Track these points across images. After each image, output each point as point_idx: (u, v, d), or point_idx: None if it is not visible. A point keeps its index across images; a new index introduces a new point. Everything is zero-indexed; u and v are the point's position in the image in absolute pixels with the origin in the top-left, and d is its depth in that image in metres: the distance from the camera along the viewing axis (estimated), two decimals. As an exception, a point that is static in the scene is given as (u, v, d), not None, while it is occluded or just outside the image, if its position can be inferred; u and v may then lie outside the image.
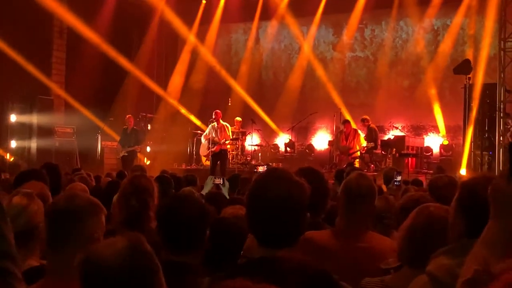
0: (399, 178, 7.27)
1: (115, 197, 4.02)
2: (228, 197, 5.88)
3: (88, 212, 2.47)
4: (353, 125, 14.69)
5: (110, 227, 3.08)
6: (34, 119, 15.09)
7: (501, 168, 12.35)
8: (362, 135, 14.43)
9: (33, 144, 15.04)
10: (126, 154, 14.48)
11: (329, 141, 16.42)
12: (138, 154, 15.60)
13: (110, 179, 7.69)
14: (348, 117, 15.63)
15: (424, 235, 2.52)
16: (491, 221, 1.76)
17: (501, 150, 12.75)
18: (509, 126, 13.30)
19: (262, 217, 2.15)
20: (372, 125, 14.62)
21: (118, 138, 15.27)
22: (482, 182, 2.17)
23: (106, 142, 16.07)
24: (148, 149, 16.88)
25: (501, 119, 13.24)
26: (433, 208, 2.62)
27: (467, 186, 2.28)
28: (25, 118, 15.11)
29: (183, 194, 3.59)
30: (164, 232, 2.73)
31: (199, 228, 2.70)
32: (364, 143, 14.18)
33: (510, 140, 12.61)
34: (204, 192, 6.40)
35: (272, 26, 18.95)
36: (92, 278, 1.78)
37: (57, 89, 16.34)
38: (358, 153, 14.19)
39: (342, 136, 14.35)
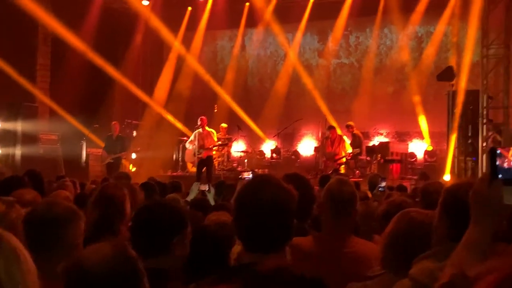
0: (383, 184, 7.31)
1: None
2: (213, 203, 5.89)
3: (66, 219, 2.47)
4: (339, 131, 14.75)
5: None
6: (18, 126, 14.95)
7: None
8: (347, 141, 14.50)
9: (18, 151, 14.89)
10: (111, 161, 14.42)
11: (315, 147, 16.47)
12: (124, 161, 15.54)
13: (95, 186, 7.66)
14: (333, 123, 15.69)
15: (406, 241, 2.53)
16: (472, 225, 1.78)
17: (484, 156, 12.86)
18: (491, 133, 13.43)
19: (249, 222, 2.14)
20: (357, 131, 14.70)
21: (103, 145, 15.19)
22: (465, 187, 2.22)
23: (91, 149, 15.97)
24: (134, 155, 16.82)
25: (484, 125, 13.36)
26: (414, 213, 2.64)
27: (450, 191, 2.33)
28: (10, 125, 14.98)
29: (153, 200, 3.59)
30: (133, 238, 2.73)
31: (166, 233, 2.68)
32: (349, 149, 14.25)
33: (492, 145, 12.71)
34: (189, 198, 6.40)
35: (257, 33, 19.00)
36: (77, 285, 1.79)
37: (42, 96, 16.23)
38: (344, 159, 14.25)
39: (328, 142, 14.41)
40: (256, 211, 2.13)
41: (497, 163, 1.72)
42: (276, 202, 2.13)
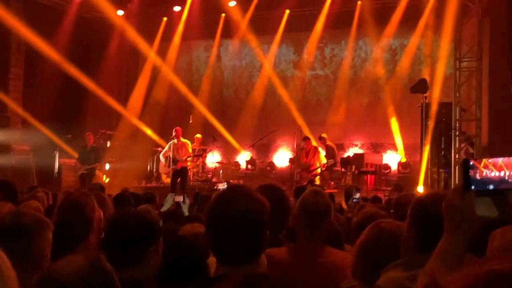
0: (357, 195, 7.37)
1: None
2: (188, 214, 5.85)
3: (33, 229, 2.43)
4: (314, 143, 14.80)
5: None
6: (-10, 136, 14.79)
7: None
8: (322, 152, 14.54)
9: (-11, 161, 14.72)
10: (85, 172, 14.27)
11: (290, 159, 16.50)
12: (97, 172, 15.39)
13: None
14: (308, 134, 15.74)
15: (376, 250, 2.55)
16: (445, 236, 1.78)
17: (457, 167, 13.00)
18: (463, 145, 13.60)
19: (221, 234, 2.13)
20: (329, 143, 14.78)
21: (76, 155, 15.04)
22: (433, 198, 2.27)
23: (64, 160, 15.79)
24: (108, 166, 16.67)
25: (457, 137, 13.53)
26: (385, 224, 2.65)
27: (418, 202, 2.37)
28: (-19, 135, 14.80)
29: (125, 211, 3.56)
30: (106, 248, 2.69)
31: (140, 243, 2.65)
32: (324, 160, 14.29)
33: (464, 157, 12.86)
34: (164, 209, 6.36)
35: (233, 44, 19.03)
36: None
37: (14, 106, 16.05)
38: (319, 170, 14.28)
39: (303, 153, 14.44)
40: (227, 223, 2.12)
41: (470, 174, 1.73)
42: (247, 213, 2.12)
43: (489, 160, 1.72)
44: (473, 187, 1.72)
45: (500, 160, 1.71)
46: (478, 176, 1.72)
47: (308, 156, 14.34)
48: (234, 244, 2.11)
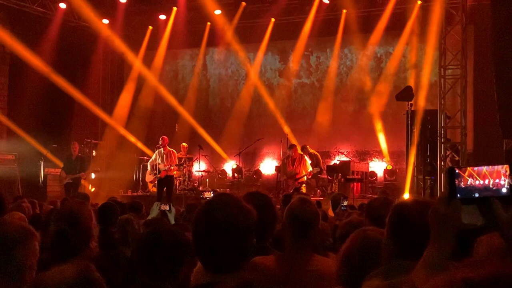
0: (345, 203, 7.40)
1: None
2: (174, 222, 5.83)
3: (17, 239, 2.40)
4: (299, 151, 14.80)
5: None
6: (-26, 145, 14.68)
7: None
8: (308, 161, 14.53)
9: (-27, 171, 14.61)
10: (70, 181, 14.17)
11: (276, 167, 16.49)
12: (83, 181, 15.30)
13: (53, 207, 7.51)
14: (294, 142, 15.75)
15: (360, 257, 2.56)
16: (431, 244, 1.80)
17: (442, 174, 13.08)
18: (449, 152, 13.68)
19: (207, 241, 2.15)
20: (312, 151, 14.80)
21: (61, 165, 14.93)
22: (412, 205, 2.28)
23: (49, 169, 15.69)
24: (93, 176, 16.58)
25: (442, 145, 13.61)
26: (370, 231, 2.67)
27: (397, 208, 2.37)
28: (-35, 145, 14.69)
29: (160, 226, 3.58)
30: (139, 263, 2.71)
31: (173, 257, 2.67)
32: (310, 169, 14.28)
33: (449, 165, 12.94)
34: (150, 218, 6.33)
35: (219, 53, 19.06)
36: None
37: (-1, 115, 15.95)
38: (305, 178, 14.28)
39: (289, 161, 14.42)
40: (212, 230, 2.14)
41: (455, 183, 1.74)
42: (232, 221, 2.14)
43: (474, 169, 1.74)
44: (458, 196, 1.73)
45: (484, 169, 1.73)
46: (462, 185, 1.74)
47: (294, 164, 14.32)
48: (220, 252, 2.13)
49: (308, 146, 14.86)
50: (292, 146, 14.42)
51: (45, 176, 15.58)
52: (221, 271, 2.13)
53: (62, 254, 3.23)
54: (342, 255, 2.67)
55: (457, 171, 1.76)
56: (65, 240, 3.44)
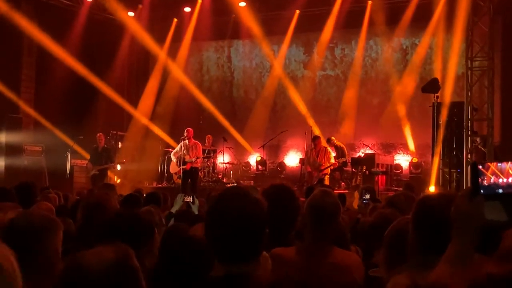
0: (367, 196, 7.33)
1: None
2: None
3: (43, 229, 2.44)
4: (323, 143, 14.76)
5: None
6: (2, 137, 14.89)
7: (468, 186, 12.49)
8: (332, 153, 14.48)
9: (1, 162, 14.82)
10: (96, 172, 14.32)
11: (300, 159, 16.47)
12: (109, 173, 15.46)
13: (79, 198, 7.60)
14: (319, 135, 15.69)
15: (403, 242, 2.52)
16: (453, 240, 1.79)
17: (468, 167, 12.92)
18: (476, 144, 13.51)
19: (219, 233, 2.20)
20: (338, 143, 14.75)
21: (88, 156, 15.10)
22: (437, 198, 2.26)
23: (75, 160, 15.88)
24: (119, 167, 16.75)
25: (469, 137, 13.44)
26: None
27: (421, 203, 2.36)
28: (-6, 136, 14.91)
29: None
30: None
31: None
32: (333, 161, 14.22)
33: (475, 159, 12.78)
34: (174, 210, 6.36)
35: (243, 45, 19.06)
36: (72, 286, 1.75)
37: (26, 107, 16.15)
38: (329, 169, 14.23)
39: (313, 152, 14.39)
40: (223, 222, 2.19)
41: (479, 180, 1.73)
42: (243, 213, 2.18)
43: (498, 165, 1.72)
44: (482, 191, 1.72)
45: (507, 166, 1.71)
46: (485, 183, 1.73)
47: (318, 156, 14.29)
48: (231, 242, 2.18)
49: (333, 138, 14.81)
50: (316, 138, 14.38)
51: (71, 167, 15.79)
52: (232, 261, 2.17)
53: (88, 244, 3.28)
54: (386, 239, 2.72)
55: (480, 168, 1.74)
56: (91, 230, 3.50)
